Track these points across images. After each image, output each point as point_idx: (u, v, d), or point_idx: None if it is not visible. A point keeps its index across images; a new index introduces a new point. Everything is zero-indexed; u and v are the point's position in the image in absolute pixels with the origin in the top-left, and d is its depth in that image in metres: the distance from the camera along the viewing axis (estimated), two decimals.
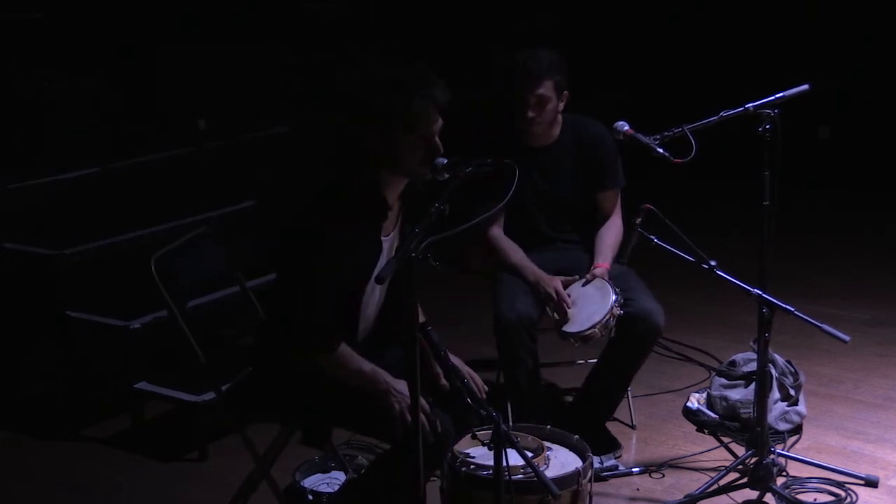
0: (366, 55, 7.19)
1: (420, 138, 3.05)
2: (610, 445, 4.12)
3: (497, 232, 4.15)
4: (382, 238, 3.20)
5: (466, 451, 3.26)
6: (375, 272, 3.13)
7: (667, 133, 3.59)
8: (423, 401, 3.00)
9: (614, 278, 4.01)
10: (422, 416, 2.94)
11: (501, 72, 4.11)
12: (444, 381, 3.24)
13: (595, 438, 4.05)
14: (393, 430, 3.07)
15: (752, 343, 3.94)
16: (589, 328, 3.86)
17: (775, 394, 4.16)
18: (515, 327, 3.90)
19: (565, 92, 4.05)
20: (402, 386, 3.09)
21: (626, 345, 4.02)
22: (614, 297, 3.86)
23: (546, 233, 4.20)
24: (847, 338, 3.37)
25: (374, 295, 3.29)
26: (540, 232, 4.19)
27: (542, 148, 4.13)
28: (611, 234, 4.16)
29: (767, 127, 3.61)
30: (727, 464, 3.85)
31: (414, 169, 3.08)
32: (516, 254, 4.11)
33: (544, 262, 4.16)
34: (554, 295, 3.96)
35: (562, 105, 4.07)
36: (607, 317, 3.84)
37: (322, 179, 3.21)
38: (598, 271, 4.00)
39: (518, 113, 4.02)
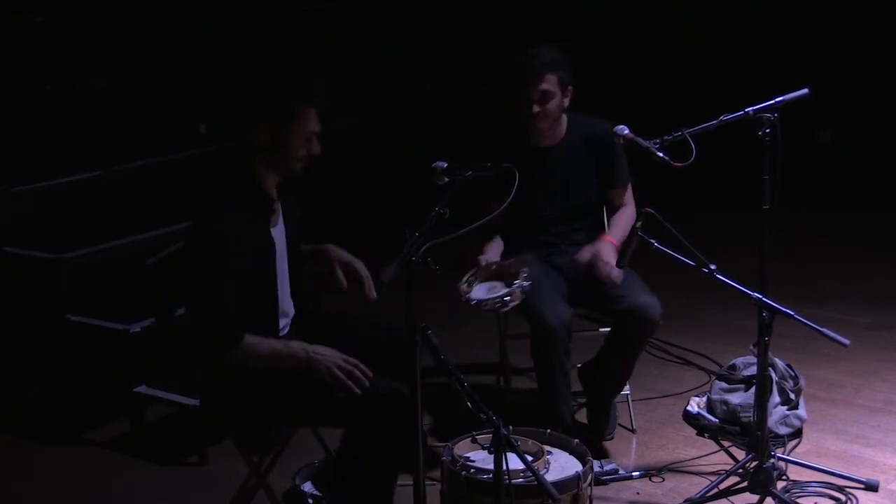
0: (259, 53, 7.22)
1: (305, 139, 3.27)
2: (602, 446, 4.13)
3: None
4: (271, 230, 3.34)
5: (466, 455, 3.26)
6: (277, 263, 3.33)
7: (667, 137, 3.59)
8: (343, 356, 3.17)
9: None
10: (351, 369, 3.13)
11: (504, 71, 4.13)
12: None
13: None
14: (334, 391, 3.13)
15: (752, 347, 3.94)
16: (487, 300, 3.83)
17: (775, 398, 4.15)
18: (559, 330, 3.88)
19: (569, 87, 4.06)
20: (319, 349, 3.19)
21: (622, 339, 4.04)
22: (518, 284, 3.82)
23: (554, 233, 4.20)
24: (847, 342, 3.36)
25: (286, 287, 3.42)
26: (548, 232, 4.19)
27: (550, 148, 4.14)
28: (623, 217, 4.21)
29: (767, 131, 3.61)
30: (727, 468, 3.84)
31: (293, 165, 3.30)
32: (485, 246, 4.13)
33: (551, 264, 4.14)
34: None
35: (566, 101, 4.07)
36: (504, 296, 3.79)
37: (213, 183, 3.40)
38: (601, 244, 4.00)
39: (523, 110, 4.02)
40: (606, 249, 3.98)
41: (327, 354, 3.18)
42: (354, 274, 3.45)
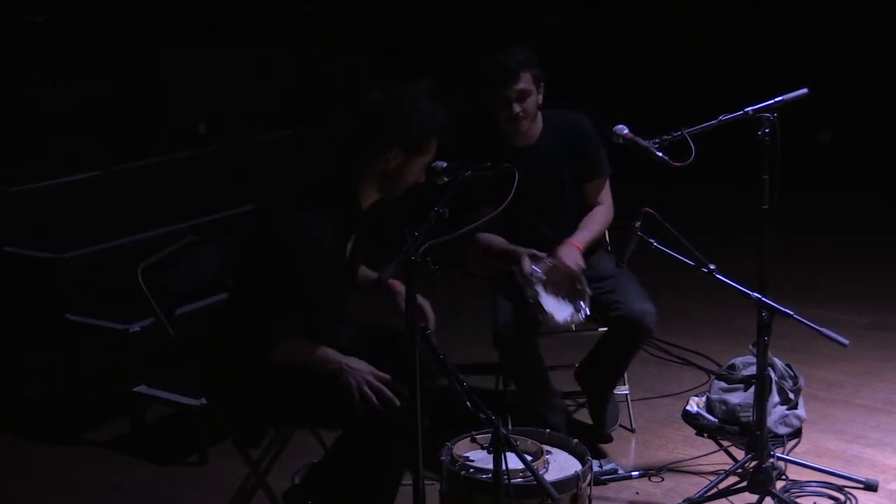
0: (379, 72, 7.22)
1: (423, 168, 3.28)
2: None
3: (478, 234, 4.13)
4: (348, 244, 3.33)
5: (466, 455, 3.26)
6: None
7: (666, 137, 3.59)
8: (374, 372, 3.16)
9: (606, 278, 4.01)
10: (381, 388, 3.12)
11: (478, 74, 4.09)
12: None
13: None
14: (354, 406, 3.12)
15: (751, 346, 3.94)
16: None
17: (775, 397, 4.16)
18: (514, 340, 3.89)
19: (542, 84, 4.02)
20: (354, 362, 3.19)
21: (616, 345, 4.04)
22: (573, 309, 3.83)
23: (543, 233, 4.15)
24: (847, 342, 3.36)
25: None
26: (536, 233, 4.14)
27: (528, 147, 4.08)
28: (595, 216, 4.12)
29: (767, 131, 3.62)
30: (727, 467, 3.84)
31: (401, 191, 3.32)
32: (493, 241, 4.08)
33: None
34: (525, 261, 3.92)
35: (540, 97, 4.04)
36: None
37: (303, 187, 3.34)
38: (563, 249, 3.93)
39: (503, 112, 3.98)
40: (568, 254, 3.94)
41: (360, 369, 3.18)
42: (419, 313, 3.41)
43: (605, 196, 4.20)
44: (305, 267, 3.14)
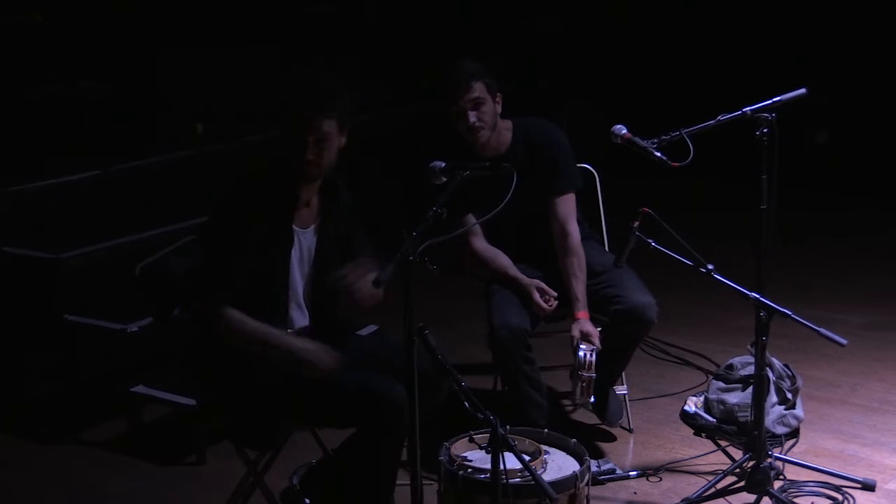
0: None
1: (310, 145, 3.25)
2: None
3: (480, 244, 4.11)
4: (295, 227, 3.35)
5: (464, 455, 3.27)
6: (293, 264, 3.35)
7: (664, 137, 3.60)
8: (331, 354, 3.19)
9: (602, 273, 4.01)
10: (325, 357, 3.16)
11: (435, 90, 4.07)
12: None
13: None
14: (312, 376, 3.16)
15: (749, 346, 3.95)
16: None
17: (773, 397, 4.16)
18: (510, 342, 3.88)
19: (498, 94, 4.01)
20: (303, 342, 3.23)
21: (618, 339, 4.02)
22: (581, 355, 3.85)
23: (517, 247, 4.12)
24: (844, 341, 3.37)
25: (298, 283, 3.40)
26: (509, 243, 4.11)
27: (498, 157, 4.01)
28: (575, 268, 4.02)
29: (765, 131, 3.62)
30: (724, 467, 3.85)
31: (303, 169, 3.28)
32: (497, 261, 4.08)
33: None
34: (535, 295, 3.95)
35: (498, 107, 4.01)
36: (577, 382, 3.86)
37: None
38: (579, 327, 3.93)
39: (460, 124, 3.96)
40: (586, 328, 3.93)
41: (313, 349, 3.21)
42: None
43: (569, 213, 4.10)
44: (225, 237, 3.20)
